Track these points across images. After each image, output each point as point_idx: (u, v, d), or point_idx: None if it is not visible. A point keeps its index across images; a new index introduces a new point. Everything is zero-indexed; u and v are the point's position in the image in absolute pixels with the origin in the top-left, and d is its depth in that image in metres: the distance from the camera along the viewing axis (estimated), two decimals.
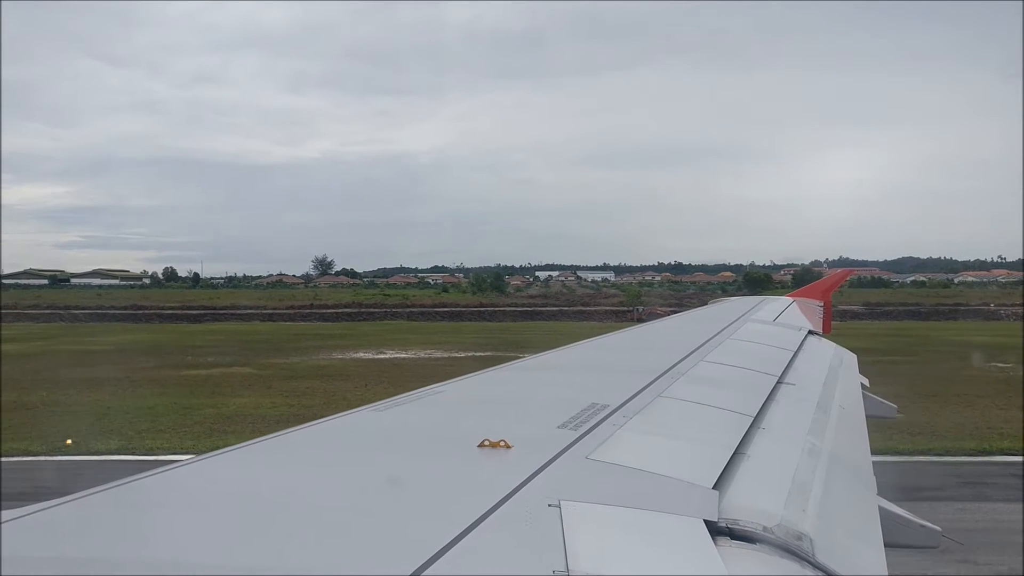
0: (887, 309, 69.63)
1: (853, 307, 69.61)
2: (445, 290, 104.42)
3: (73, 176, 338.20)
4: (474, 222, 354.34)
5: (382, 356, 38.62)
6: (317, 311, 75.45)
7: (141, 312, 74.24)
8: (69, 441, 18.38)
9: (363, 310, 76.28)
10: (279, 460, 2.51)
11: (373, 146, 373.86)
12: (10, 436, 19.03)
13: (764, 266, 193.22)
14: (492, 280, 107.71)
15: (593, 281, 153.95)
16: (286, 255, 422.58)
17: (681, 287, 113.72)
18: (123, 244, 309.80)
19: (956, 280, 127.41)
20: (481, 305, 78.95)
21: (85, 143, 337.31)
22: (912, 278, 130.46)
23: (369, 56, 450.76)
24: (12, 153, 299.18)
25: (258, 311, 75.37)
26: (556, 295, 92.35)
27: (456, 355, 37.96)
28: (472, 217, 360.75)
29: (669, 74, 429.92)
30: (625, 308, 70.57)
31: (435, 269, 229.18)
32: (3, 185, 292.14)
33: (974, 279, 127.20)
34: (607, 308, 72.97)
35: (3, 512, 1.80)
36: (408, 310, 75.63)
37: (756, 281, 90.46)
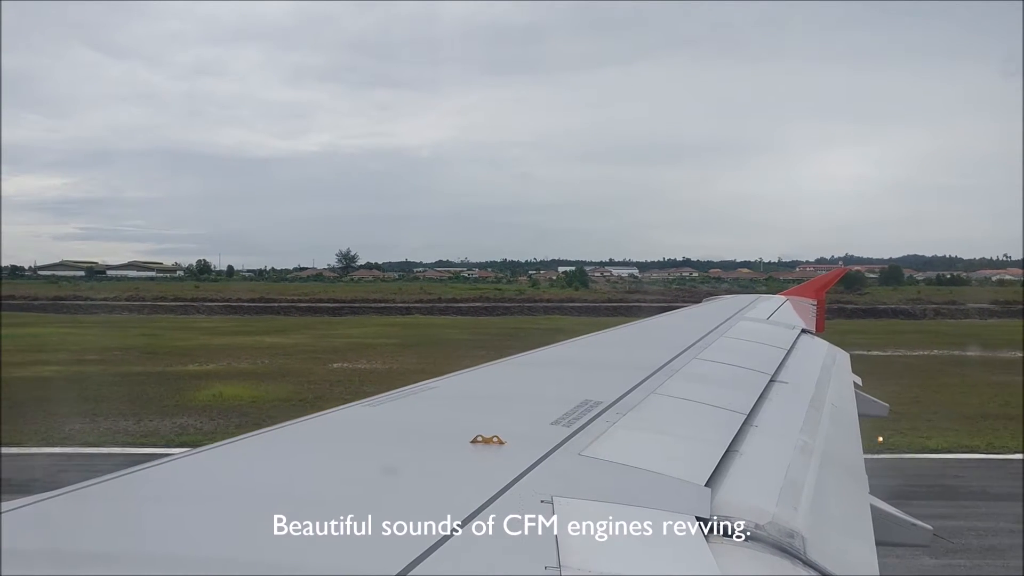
0: (1018, 307, 72.02)
1: (982, 304, 71.90)
2: (536, 283, 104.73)
3: (71, 168, 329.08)
4: (473, 216, 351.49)
5: None
6: (452, 305, 75.08)
7: (275, 304, 72.70)
8: (880, 439, 18.33)
9: (494, 304, 76.06)
10: (273, 455, 2.54)
11: (372, 140, 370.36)
12: None
13: (771, 263, 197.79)
14: (576, 275, 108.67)
15: (620, 277, 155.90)
16: (286, 248, 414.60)
17: (729, 284, 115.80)
18: (121, 236, 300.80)
19: (994, 278, 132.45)
20: (610, 300, 79.44)
21: (83, 134, 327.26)
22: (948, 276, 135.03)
23: (368, 49, 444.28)
24: (9, 144, 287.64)
25: (391, 304, 74.60)
26: (648, 290, 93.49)
27: None
28: (472, 211, 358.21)
29: (668, 69, 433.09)
30: None
31: (439, 263, 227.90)
32: (1, 176, 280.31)
33: (1011, 277, 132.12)
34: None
35: (2, 504, 1.83)
36: (542, 304, 75.68)
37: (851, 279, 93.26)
